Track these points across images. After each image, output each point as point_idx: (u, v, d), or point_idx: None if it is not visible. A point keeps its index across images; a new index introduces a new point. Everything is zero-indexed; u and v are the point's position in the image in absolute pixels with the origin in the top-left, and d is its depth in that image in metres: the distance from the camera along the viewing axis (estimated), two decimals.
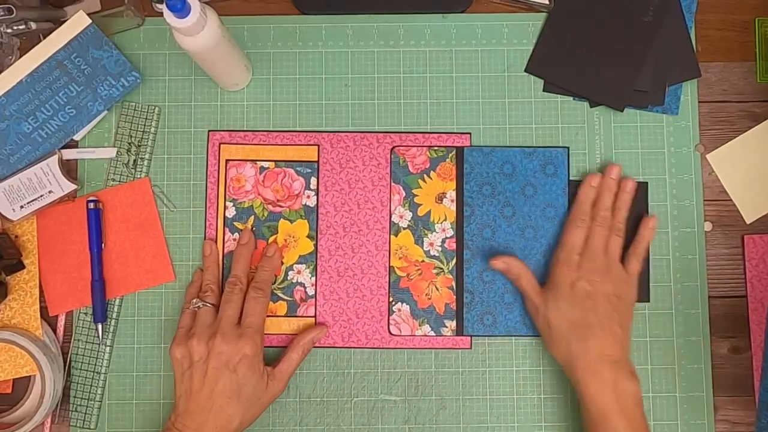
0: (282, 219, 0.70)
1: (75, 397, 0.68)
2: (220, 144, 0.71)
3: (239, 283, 0.66)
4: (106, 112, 0.70)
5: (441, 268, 0.70)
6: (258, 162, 0.70)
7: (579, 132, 0.72)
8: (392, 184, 0.71)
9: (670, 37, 0.71)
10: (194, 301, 0.66)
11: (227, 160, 0.71)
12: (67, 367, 0.69)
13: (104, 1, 0.70)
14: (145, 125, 0.71)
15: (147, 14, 0.72)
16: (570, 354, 0.63)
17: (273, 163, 0.70)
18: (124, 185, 0.70)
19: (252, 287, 0.66)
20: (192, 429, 0.61)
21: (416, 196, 0.70)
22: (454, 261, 0.70)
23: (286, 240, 0.69)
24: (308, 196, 0.70)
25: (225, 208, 0.70)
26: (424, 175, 0.71)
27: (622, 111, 0.71)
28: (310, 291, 0.69)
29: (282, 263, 0.70)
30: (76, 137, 0.70)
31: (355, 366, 0.69)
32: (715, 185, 0.71)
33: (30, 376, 0.68)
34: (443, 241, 0.70)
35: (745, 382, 0.69)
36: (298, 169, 0.70)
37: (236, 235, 0.70)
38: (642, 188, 0.70)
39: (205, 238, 0.70)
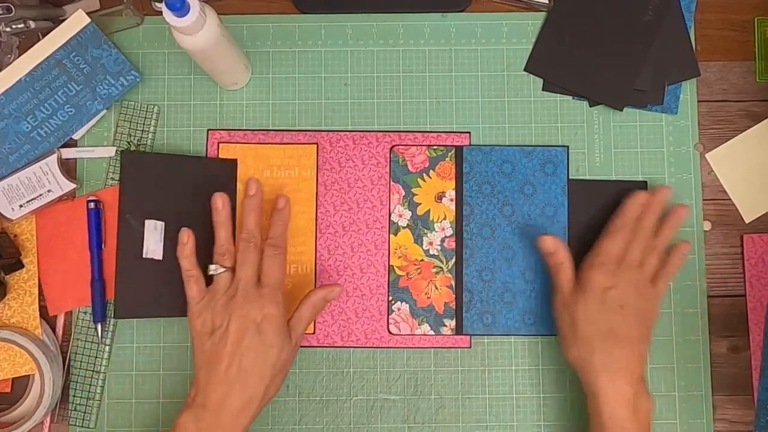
0: None
1: (74, 396, 0.68)
2: (219, 143, 0.71)
3: (253, 239, 0.63)
4: (105, 111, 0.70)
5: (440, 267, 0.70)
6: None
7: (578, 131, 0.72)
8: (391, 183, 0.71)
9: (670, 37, 0.71)
10: (212, 266, 0.63)
11: None
12: (66, 366, 0.68)
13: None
14: (144, 124, 0.71)
15: (146, 13, 0.72)
16: (592, 360, 0.61)
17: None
18: None
19: (267, 245, 0.63)
20: (215, 403, 0.57)
21: (416, 195, 0.70)
22: (454, 260, 0.70)
23: None
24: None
25: None
26: (424, 174, 0.71)
27: (621, 110, 0.71)
28: None
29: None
30: (76, 136, 0.70)
31: (355, 365, 0.69)
32: (714, 184, 0.71)
33: (29, 375, 0.68)
34: (443, 240, 0.70)
35: (744, 381, 0.69)
36: None
37: None
38: (640, 187, 0.71)
39: None
